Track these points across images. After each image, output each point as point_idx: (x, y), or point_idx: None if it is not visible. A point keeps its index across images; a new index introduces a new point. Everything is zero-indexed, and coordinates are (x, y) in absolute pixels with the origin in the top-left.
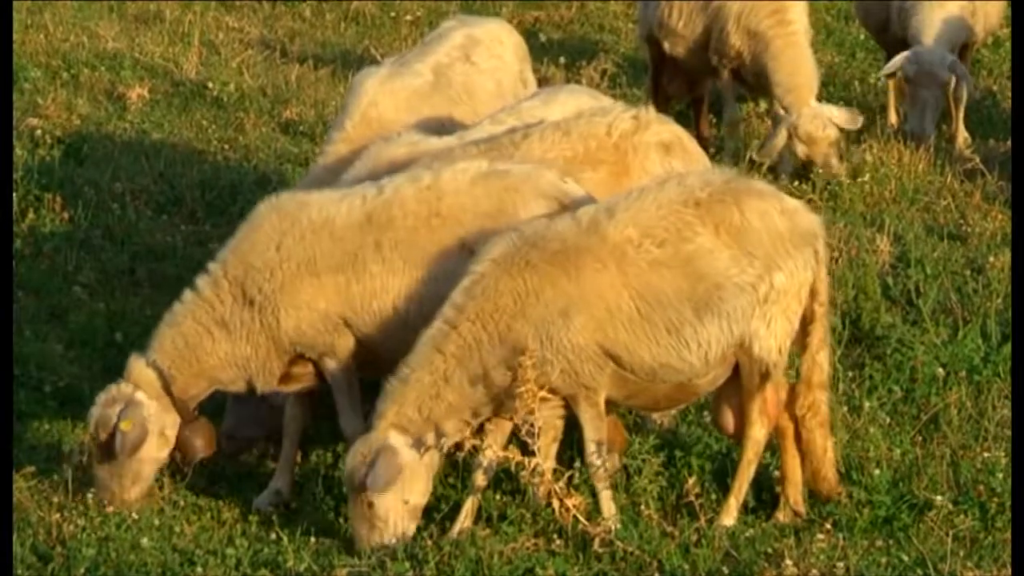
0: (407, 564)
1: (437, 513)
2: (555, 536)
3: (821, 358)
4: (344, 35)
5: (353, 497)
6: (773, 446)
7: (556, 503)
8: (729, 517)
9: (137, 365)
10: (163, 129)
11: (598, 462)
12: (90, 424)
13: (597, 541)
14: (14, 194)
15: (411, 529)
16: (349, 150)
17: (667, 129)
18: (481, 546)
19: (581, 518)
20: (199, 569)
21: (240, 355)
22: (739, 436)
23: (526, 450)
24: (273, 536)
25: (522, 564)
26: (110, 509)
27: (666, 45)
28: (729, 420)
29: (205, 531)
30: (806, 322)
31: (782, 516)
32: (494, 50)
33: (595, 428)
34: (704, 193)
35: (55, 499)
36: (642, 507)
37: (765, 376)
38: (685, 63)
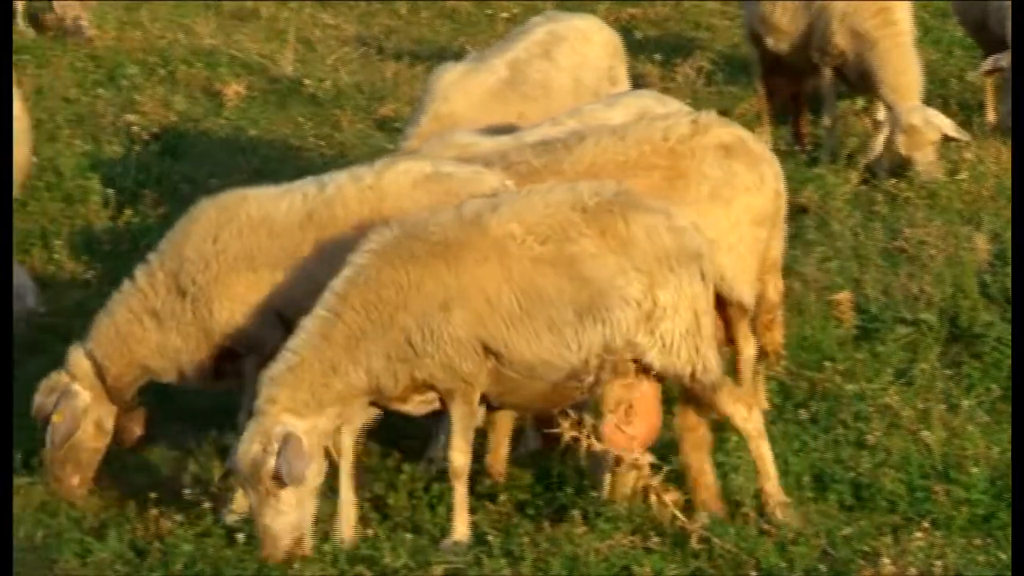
0: (503, 561)
1: (533, 510)
2: (652, 533)
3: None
4: (440, 32)
5: (255, 486)
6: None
7: (653, 499)
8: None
9: (75, 354)
10: (259, 126)
11: (461, 460)
12: (32, 411)
13: (694, 538)
14: (112, 190)
15: (313, 510)
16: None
17: (728, 132)
18: (577, 543)
19: (678, 514)
20: (296, 565)
21: (170, 346)
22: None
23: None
24: (370, 532)
25: (618, 561)
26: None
27: (769, 42)
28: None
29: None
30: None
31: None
32: (578, 47)
33: (465, 426)
34: (592, 201)
35: (152, 495)
36: (739, 504)
37: (702, 385)
38: (787, 60)
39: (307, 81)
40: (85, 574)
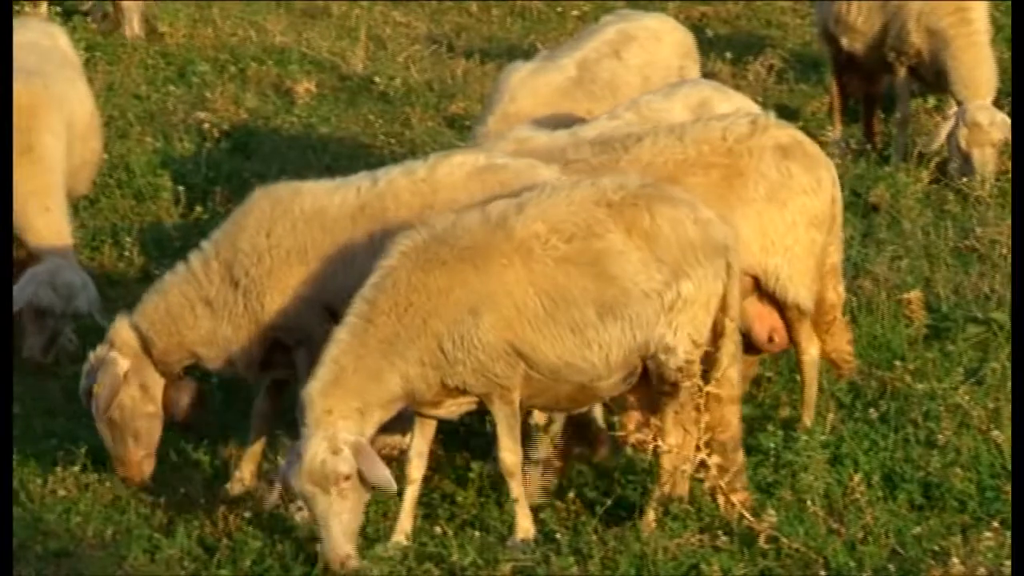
0: (571, 559)
1: (601, 507)
2: (720, 532)
3: (731, 373)
4: (510, 30)
5: (326, 490)
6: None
7: (721, 498)
8: (648, 527)
9: (120, 324)
10: (330, 123)
11: (511, 459)
12: (81, 393)
13: (762, 537)
14: (182, 187)
15: (361, 518)
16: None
17: (786, 133)
18: (646, 541)
19: (746, 514)
20: (365, 562)
21: (221, 335)
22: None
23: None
24: (437, 530)
25: (687, 560)
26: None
27: (843, 41)
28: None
29: (370, 524)
30: (715, 336)
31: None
32: (648, 47)
33: (509, 427)
34: (617, 196)
35: (221, 491)
36: (807, 503)
37: (674, 386)
38: (862, 59)
39: (377, 79)
40: (154, 571)
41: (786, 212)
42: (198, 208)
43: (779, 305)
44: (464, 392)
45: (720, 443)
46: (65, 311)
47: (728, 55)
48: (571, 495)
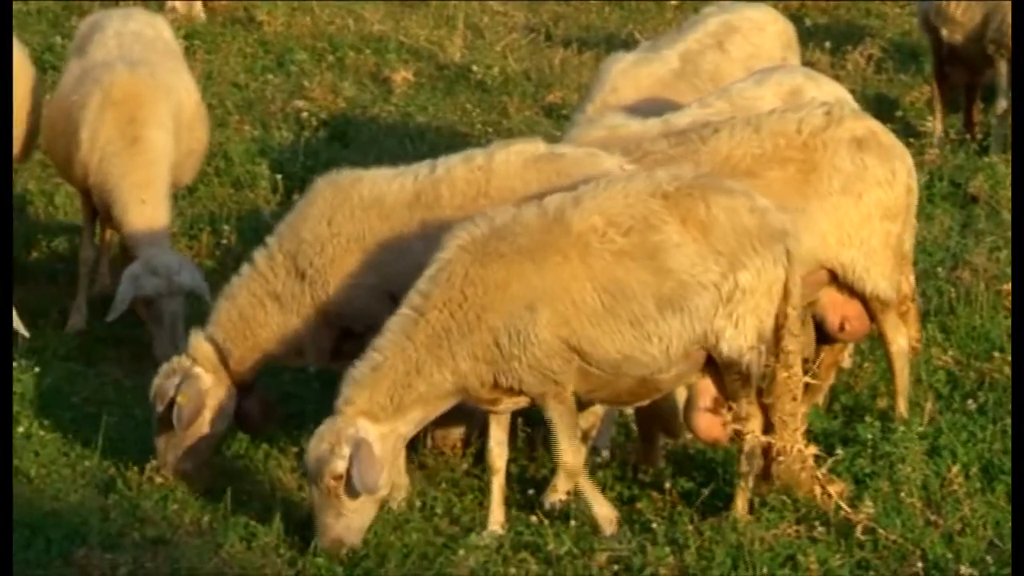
0: (667, 549)
1: (696, 498)
2: (817, 523)
3: (794, 360)
4: (608, 19)
5: (318, 484)
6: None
7: (818, 489)
8: (743, 511)
9: (196, 339)
10: (427, 112)
11: (573, 459)
12: (150, 395)
13: (859, 528)
14: (280, 176)
15: (373, 515)
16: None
17: (861, 124)
18: (742, 532)
19: (843, 505)
20: (461, 552)
21: (291, 328)
22: (713, 440)
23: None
24: (533, 519)
25: (783, 551)
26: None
27: (943, 33)
28: (702, 426)
29: (466, 512)
30: (777, 326)
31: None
32: (752, 38)
33: (566, 424)
34: (672, 187)
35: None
36: (904, 495)
37: (746, 377)
38: (962, 51)
39: (475, 68)
40: (250, 558)
41: (861, 205)
42: (295, 196)
43: (859, 296)
44: (519, 392)
45: (781, 436)
46: (170, 289)
47: (827, 44)
48: (667, 485)
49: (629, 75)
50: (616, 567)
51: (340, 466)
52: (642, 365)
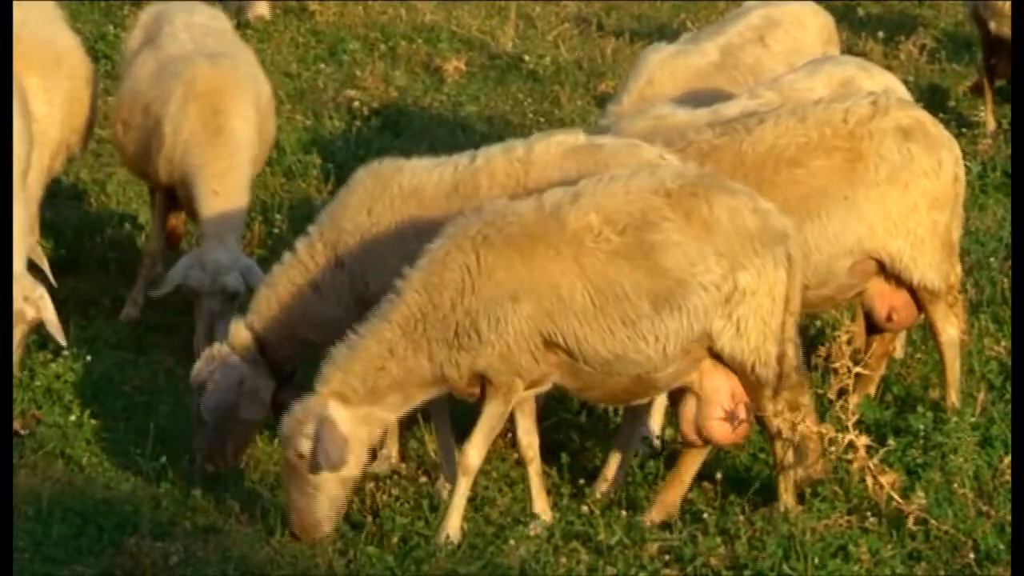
0: (718, 539)
1: (747, 488)
2: (868, 514)
3: (789, 368)
4: (660, 9)
5: (288, 463)
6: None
7: (870, 480)
8: (788, 498)
9: (236, 327)
10: (479, 102)
11: (475, 456)
12: (191, 380)
13: (911, 519)
14: (332, 165)
15: (345, 499)
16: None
17: (907, 114)
18: (793, 522)
19: (895, 495)
20: (511, 542)
21: (332, 318)
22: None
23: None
24: (584, 509)
25: (835, 541)
26: (422, 480)
27: (992, 25)
28: (717, 434)
29: (517, 502)
30: None
31: (653, 515)
32: (793, 32)
33: (491, 426)
34: (675, 184)
35: (370, 469)
36: (956, 486)
37: (756, 377)
38: (1010, 43)
39: (527, 57)
40: (300, 548)
41: (908, 195)
42: None
43: (906, 286)
44: (481, 377)
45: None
46: (212, 288)
47: (880, 34)
48: (719, 475)
49: (667, 67)
50: (667, 557)
51: (304, 445)
52: (636, 364)
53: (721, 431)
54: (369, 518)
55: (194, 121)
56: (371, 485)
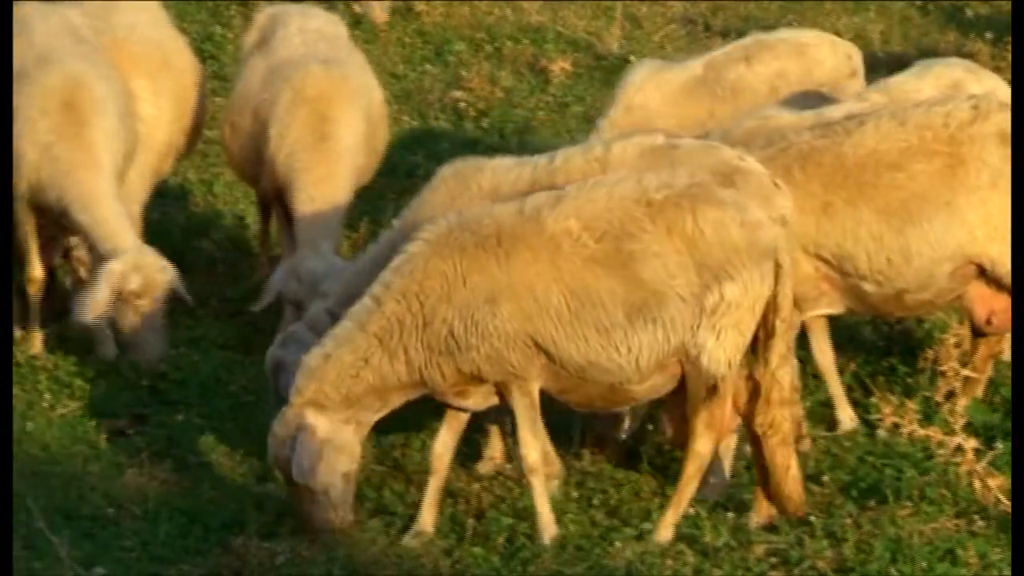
0: (825, 542)
1: (856, 491)
2: (976, 517)
3: (782, 375)
4: (767, 9)
5: (285, 478)
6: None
7: (978, 483)
8: (666, 531)
9: (315, 310)
10: (584, 103)
11: (533, 456)
12: (266, 364)
13: None
14: (437, 165)
15: (351, 495)
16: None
17: (1007, 117)
18: (901, 525)
19: (1003, 499)
20: (617, 544)
21: None
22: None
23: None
24: (691, 511)
25: (942, 545)
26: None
27: None
28: (679, 432)
29: (624, 504)
30: (766, 337)
31: (756, 517)
32: (782, 57)
33: (527, 418)
34: (660, 194)
35: (476, 470)
36: None
37: (712, 389)
38: None
39: (633, 58)
40: (405, 549)
41: (1009, 199)
42: None
43: (1007, 290)
44: (482, 380)
45: (770, 448)
46: (312, 296)
47: (988, 35)
48: (826, 478)
49: (653, 80)
50: (773, 560)
51: (287, 456)
52: (608, 373)
53: (678, 431)
54: (474, 519)
55: (301, 126)
56: (476, 486)
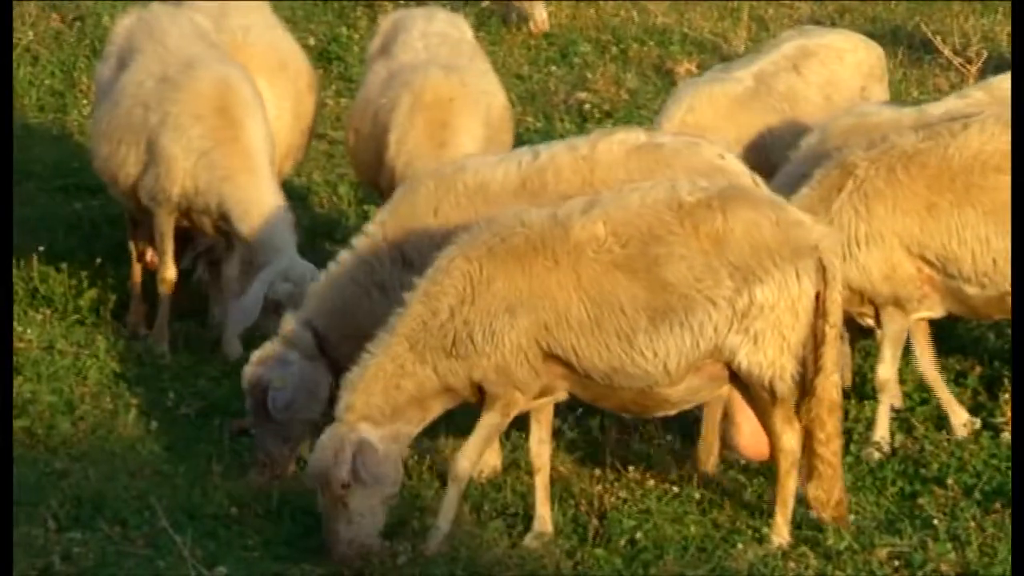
0: (948, 545)
1: (980, 494)
2: None
3: (835, 380)
4: (895, 11)
5: (324, 493)
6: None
7: None
8: (782, 531)
9: (290, 324)
10: None
11: (466, 465)
12: (243, 382)
13: None
14: None
15: (383, 517)
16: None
17: None
18: None
19: None
20: (739, 546)
21: None
22: (761, 455)
23: None
24: (812, 514)
25: None
26: (649, 483)
27: None
28: (742, 443)
29: (746, 508)
30: (816, 344)
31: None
32: (829, 64)
33: (485, 437)
34: (692, 197)
35: (598, 472)
36: None
37: (772, 393)
38: None
39: None
40: (528, 550)
41: None
42: None
43: None
44: (479, 389)
45: (819, 454)
46: None
47: None
48: (950, 480)
49: (704, 94)
50: (896, 563)
51: (344, 474)
52: (635, 378)
53: (745, 441)
54: (596, 520)
55: (420, 132)
56: (598, 488)
